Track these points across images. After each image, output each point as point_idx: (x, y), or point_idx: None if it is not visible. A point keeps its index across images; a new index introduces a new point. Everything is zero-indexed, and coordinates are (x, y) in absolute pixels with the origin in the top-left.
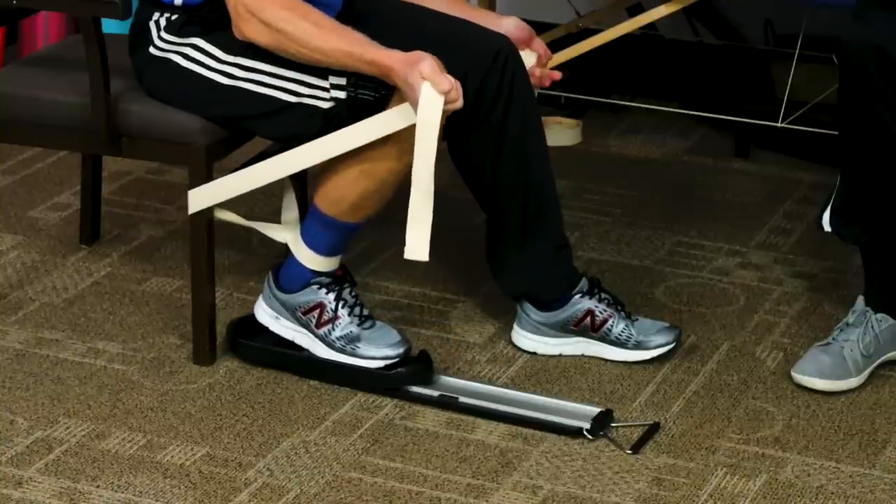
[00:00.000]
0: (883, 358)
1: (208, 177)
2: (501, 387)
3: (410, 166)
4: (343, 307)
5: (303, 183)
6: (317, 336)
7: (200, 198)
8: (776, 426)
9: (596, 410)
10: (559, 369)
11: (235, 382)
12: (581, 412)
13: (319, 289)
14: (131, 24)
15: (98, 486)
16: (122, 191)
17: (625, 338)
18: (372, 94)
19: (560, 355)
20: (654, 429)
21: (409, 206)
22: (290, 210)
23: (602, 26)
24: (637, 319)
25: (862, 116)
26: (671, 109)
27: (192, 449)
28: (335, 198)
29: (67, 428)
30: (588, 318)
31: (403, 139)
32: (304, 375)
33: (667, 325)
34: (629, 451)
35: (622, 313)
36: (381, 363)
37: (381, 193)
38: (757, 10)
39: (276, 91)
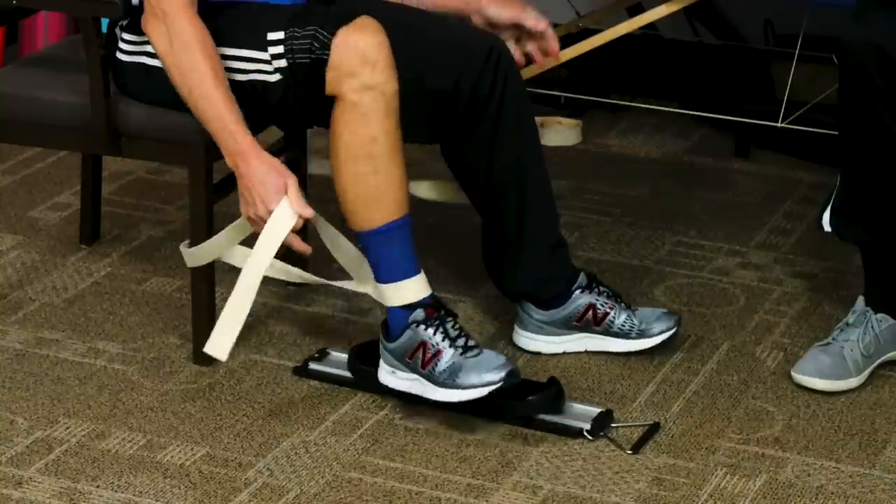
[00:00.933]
0: (883, 358)
1: (208, 176)
2: None
3: (385, 131)
4: (444, 340)
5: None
6: (423, 376)
7: (196, 256)
8: (776, 426)
9: (596, 411)
10: (559, 369)
11: (235, 382)
12: (581, 413)
13: (418, 327)
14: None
15: (98, 486)
16: (122, 191)
17: (627, 328)
18: (307, 55)
19: (564, 353)
20: (654, 429)
21: (227, 301)
22: (340, 248)
23: (602, 26)
24: (637, 309)
25: (862, 116)
26: (671, 109)
27: (192, 449)
28: (354, 207)
29: (67, 428)
30: (590, 313)
31: (351, 115)
32: (426, 404)
33: (665, 311)
34: (629, 452)
35: (622, 304)
36: (483, 391)
37: (378, 171)
38: (757, 10)
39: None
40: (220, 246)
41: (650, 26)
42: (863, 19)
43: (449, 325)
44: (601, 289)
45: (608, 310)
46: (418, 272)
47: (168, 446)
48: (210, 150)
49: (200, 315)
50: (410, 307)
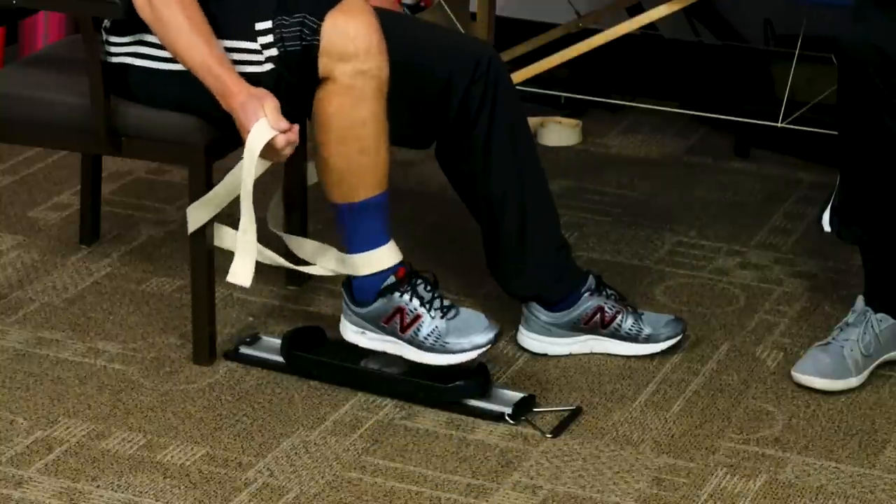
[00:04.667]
0: (883, 358)
1: (208, 176)
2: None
3: (375, 113)
4: (422, 305)
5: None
6: (404, 340)
7: (199, 214)
8: (776, 426)
9: (519, 395)
10: (559, 369)
11: (235, 382)
12: (506, 398)
13: (392, 294)
14: None
15: (98, 486)
16: (122, 191)
17: (635, 332)
18: (297, 43)
19: (570, 354)
20: (575, 413)
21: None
22: (301, 246)
23: (602, 26)
24: (643, 313)
25: (861, 116)
26: (671, 109)
27: (192, 449)
28: (337, 182)
29: (67, 428)
30: (598, 315)
31: (343, 98)
32: (356, 388)
33: (672, 317)
34: (549, 436)
35: (628, 308)
36: (473, 353)
37: (366, 152)
38: (757, 10)
39: None
40: (217, 199)
41: (650, 26)
42: (861, 19)
43: (421, 288)
44: (608, 291)
45: (616, 313)
46: (389, 240)
47: (168, 446)
48: (210, 150)
49: (200, 315)
50: (381, 275)
